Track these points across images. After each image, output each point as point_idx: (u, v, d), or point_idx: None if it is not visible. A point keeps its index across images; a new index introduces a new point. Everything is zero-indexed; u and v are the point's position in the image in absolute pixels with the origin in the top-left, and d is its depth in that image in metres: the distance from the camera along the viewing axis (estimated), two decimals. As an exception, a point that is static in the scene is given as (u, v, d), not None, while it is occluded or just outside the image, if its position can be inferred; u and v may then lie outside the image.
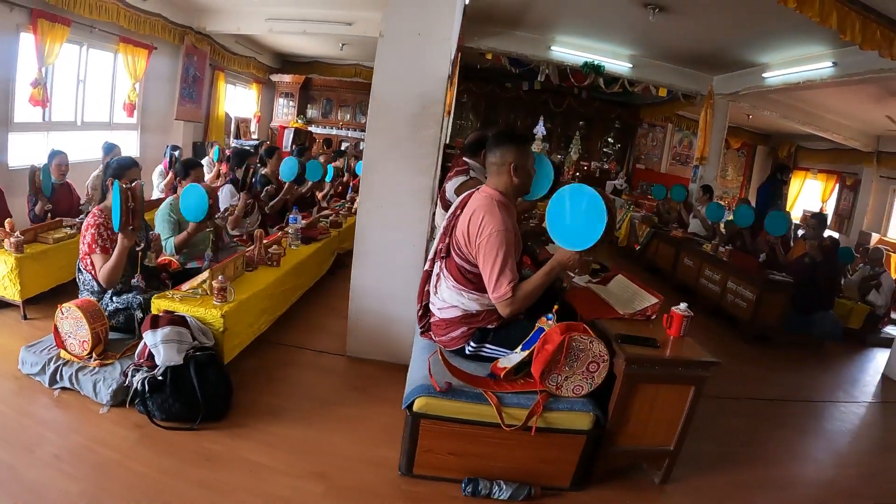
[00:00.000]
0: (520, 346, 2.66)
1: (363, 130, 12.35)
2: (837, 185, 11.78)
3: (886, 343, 6.09)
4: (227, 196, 5.15)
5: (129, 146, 8.38)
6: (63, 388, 2.95)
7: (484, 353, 2.81)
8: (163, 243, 3.94)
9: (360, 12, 8.59)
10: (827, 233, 11.25)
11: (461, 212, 2.76)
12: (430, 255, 2.95)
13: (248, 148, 7.12)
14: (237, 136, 11.80)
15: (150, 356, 2.84)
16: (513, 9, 7.79)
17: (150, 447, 2.62)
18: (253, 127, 12.70)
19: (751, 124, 13.01)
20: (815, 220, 6.02)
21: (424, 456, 2.56)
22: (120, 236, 3.07)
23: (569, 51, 8.94)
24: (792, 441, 3.84)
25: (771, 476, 3.32)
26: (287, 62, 13.36)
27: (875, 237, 10.47)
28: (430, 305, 2.92)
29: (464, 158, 3.92)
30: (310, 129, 12.83)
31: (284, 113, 13.17)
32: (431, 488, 2.57)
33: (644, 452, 2.86)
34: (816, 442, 3.97)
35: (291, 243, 4.76)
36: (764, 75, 7.95)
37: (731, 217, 7.54)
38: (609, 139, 13.07)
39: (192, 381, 2.78)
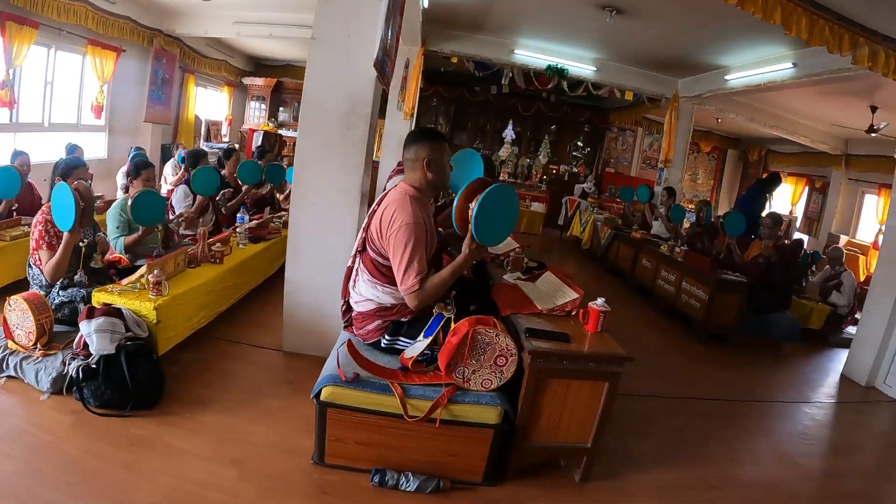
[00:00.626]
0: (422, 334, 2.67)
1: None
2: (807, 188, 11.76)
3: (848, 343, 5.92)
4: (181, 197, 5.14)
5: (97, 148, 8.33)
6: (9, 377, 3.04)
7: (399, 346, 2.78)
8: (112, 242, 4.01)
9: None
10: (796, 235, 11.40)
11: (378, 207, 2.77)
12: (353, 252, 2.95)
13: (202, 149, 6.93)
14: (207, 139, 11.58)
15: (86, 345, 2.92)
16: (473, 12, 7.66)
17: (83, 431, 2.71)
18: (224, 130, 12.48)
19: (721, 128, 12.99)
20: (770, 220, 5.90)
21: (334, 445, 2.55)
22: (65, 234, 3.16)
23: (532, 54, 8.83)
24: (735, 441, 3.67)
25: (706, 476, 3.18)
26: (260, 65, 13.21)
27: (844, 239, 10.44)
28: (350, 299, 2.93)
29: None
30: (280, 131, 12.62)
31: (256, 116, 12.95)
32: (341, 477, 2.56)
33: (560, 449, 2.74)
34: (761, 442, 3.79)
35: (240, 242, 4.77)
36: (726, 77, 7.88)
37: (693, 219, 7.42)
38: (579, 143, 12.96)
39: (124, 370, 2.85)
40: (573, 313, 2.94)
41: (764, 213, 7.07)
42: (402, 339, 2.77)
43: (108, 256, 3.87)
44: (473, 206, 2.47)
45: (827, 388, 5.08)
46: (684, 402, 4.20)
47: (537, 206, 11.12)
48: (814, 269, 8.28)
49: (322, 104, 3.62)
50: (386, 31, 3.61)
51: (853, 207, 10.67)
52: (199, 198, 5.05)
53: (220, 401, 3.12)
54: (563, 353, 2.51)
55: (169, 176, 7.00)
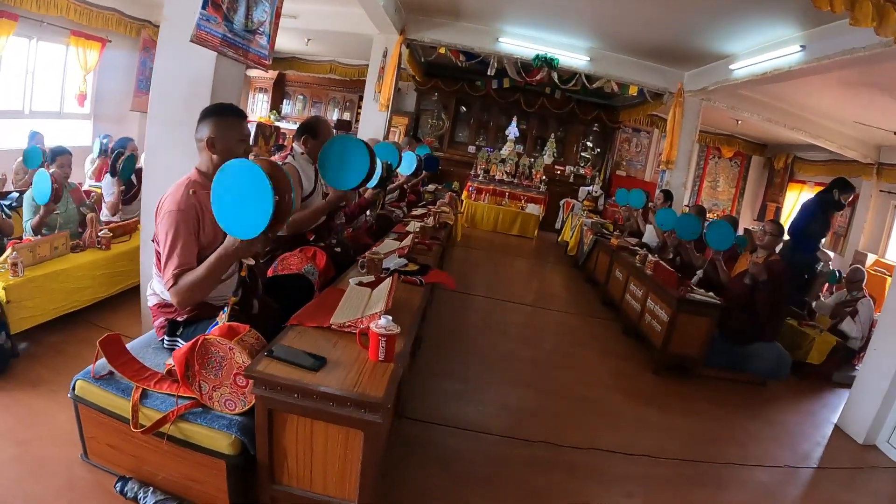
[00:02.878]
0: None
1: (333, 128, 11.47)
2: (834, 200, 10.17)
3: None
4: (108, 185, 4.98)
5: (82, 135, 8.20)
6: None
7: (178, 348, 2.27)
8: (25, 226, 3.95)
9: (302, 5, 8.08)
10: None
11: None
12: None
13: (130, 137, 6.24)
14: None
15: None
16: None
17: None
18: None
19: (743, 132, 11.50)
20: (772, 227, 4.64)
21: (91, 444, 2.25)
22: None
23: (518, 42, 7.75)
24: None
25: None
26: (265, 58, 12.47)
27: (872, 259, 8.87)
28: None
29: (293, 143, 3.56)
30: (278, 124, 11.84)
31: (259, 108, 12.22)
32: (96, 476, 2.22)
33: (319, 501, 1.97)
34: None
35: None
36: (731, 67, 6.66)
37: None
38: (587, 143, 11.64)
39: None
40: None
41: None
42: (180, 340, 2.35)
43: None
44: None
45: (812, 444, 3.84)
46: (589, 453, 3.07)
47: (533, 208, 9.94)
48: (833, 289, 6.92)
49: (168, 89, 3.26)
50: (252, 5, 3.28)
51: (884, 222, 9.07)
52: (115, 182, 4.85)
53: (51, 383, 2.85)
54: (291, 386, 1.80)
55: (88, 168, 6.42)
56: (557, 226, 10.29)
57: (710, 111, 8.89)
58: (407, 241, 3.83)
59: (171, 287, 2.12)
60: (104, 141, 6.65)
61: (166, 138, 3.27)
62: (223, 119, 2.30)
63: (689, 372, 4.39)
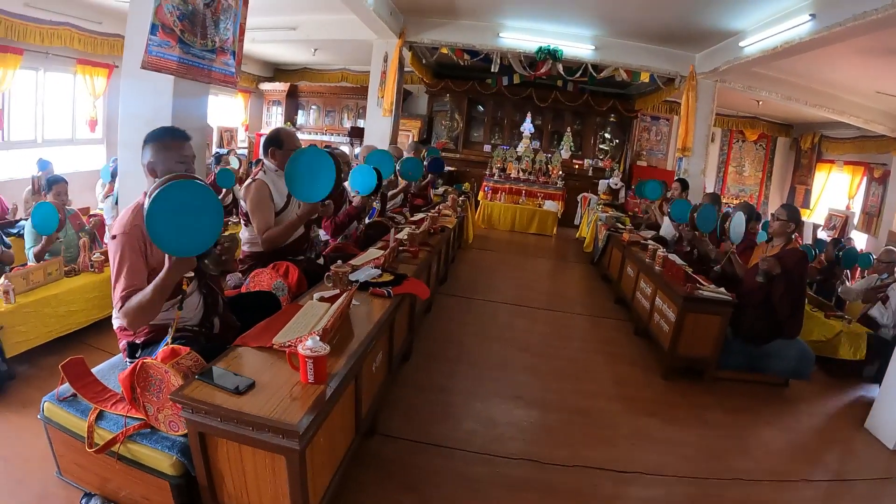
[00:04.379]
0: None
1: (347, 135, 11.35)
2: (865, 178, 9.47)
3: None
4: (109, 208, 5.05)
5: (96, 160, 8.08)
6: None
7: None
8: (28, 254, 4.01)
9: (299, 16, 8.07)
10: (854, 234, 9.20)
11: None
12: None
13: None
14: (220, 146, 10.89)
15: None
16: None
17: None
18: (242, 136, 11.81)
19: (767, 113, 10.87)
20: (780, 211, 4.21)
21: (62, 461, 2.23)
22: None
23: (520, 36, 7.44)
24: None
25: None
26: (279, 70, 12.50)
27: (909, 239, 8.22)
28: None
29: (264, 159, 3.40)
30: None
31: (274, 121, 12.16)
32: (68, 493, 2.20)
33: None
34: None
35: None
36: (741, 44, 6.20)
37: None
38: (606, 135, 11.13)
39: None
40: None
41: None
42: None
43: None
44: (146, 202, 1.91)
45: (835, 453, 3.42)
46: (595, 476, 2.74)
47: (551, 205, 9.53)
48: (864, 273, 6.38)
49: (134, 113, 3.31)
50: (209, 25, 3.30)
51: (920, 199, 8.41)
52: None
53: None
54: (214, 410, 1.73)
55: (99, 192, 6.39)
56: (576, 221, 9.88)
57: (727, 93, 8.40)
58: (380, 251, 3.61)
59: (120, 309, 2.08)
60: (114, 165, 6.61)
61: (136, 163, 3.22)
62: (160, 142, 2.26)
63: (703, 375, 3.99)
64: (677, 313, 3.89)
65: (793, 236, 4.22)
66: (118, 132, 3.44)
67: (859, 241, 8.88)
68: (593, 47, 7.46)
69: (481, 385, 3.61)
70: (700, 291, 3.88)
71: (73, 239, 4.27)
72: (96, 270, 3.96)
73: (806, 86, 7.74)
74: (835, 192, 10.28)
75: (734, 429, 3.45)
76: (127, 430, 1.97)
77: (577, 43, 7.41)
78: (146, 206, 1.83)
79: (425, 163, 6.44)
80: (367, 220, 4.80)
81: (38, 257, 3.93)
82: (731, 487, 2.81)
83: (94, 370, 2.29)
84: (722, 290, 3.98)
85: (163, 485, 1.95)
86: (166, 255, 1.96)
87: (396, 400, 3.23)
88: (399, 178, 5.81)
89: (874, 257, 6.19)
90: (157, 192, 1.83)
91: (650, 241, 5.51)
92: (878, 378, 4.31)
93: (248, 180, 3.31)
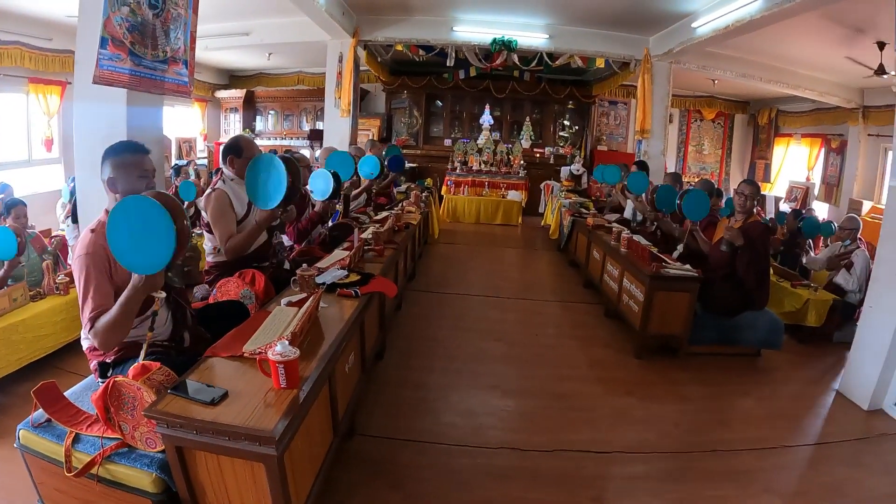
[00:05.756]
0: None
1: (306, 138, 11.20)
2: (823, 150, 9.73)
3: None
4: (70, 230, 4.95)
5: (54, 181, 7.84)
6: None
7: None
8: None
9: (252, 21, 7.94)
10: (815, 205, 9.44)
11: None
12: None
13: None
14: (179, 157, 10.63)
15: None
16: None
17: None
18: (201, 145, 11.55)
19: (723, 91, 11.07)
20: (742, 186, 4.27)
21: (42, 489, 2.15)
22: None
23: (473, 29, 7.43)
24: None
25: None
26: (234, 77, 12.26)
27: (868, 206, 8.45)
28: None
29: (223, 167, 3.36)
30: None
31: (233, 128, 11.93)
32: None
33: None
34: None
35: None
36: (693, 25, 6.28)
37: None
38: (565, 122, 11.19)
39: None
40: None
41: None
42: None
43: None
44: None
45: (811, 417, 3.49)
46: (577, 458, 2.74)
47: (514, 195, 9.57)
48: (828, 241, 6.53)
49: (88, 129, 3.20)
50: (160, 35, 3.19)
51: (876, 167, 8.63)
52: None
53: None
54: (188, 423, 1.73)
55: (60, 212, 6.19)
56: (540, 210, 9.93)
57: (682, 74, 8.51)
58: (345, 252, 3.57)
59: (90, 330, 2.07)
60: (73, 184, 6.42)
61: (94, 181, 3.18)
62: (119, 157, 2.23)
63: (676, 352, 4.04)
64: (645, 293, 3.93)
65: (754, 210, 4.30)
66: (74, 150, 3.36)
67: (821, 211, 9.11)
68: (547, 36, 7.50)
69: (458, 377, 3.59)
70: (666, 270, 3.93)
71: (36, 262, 4.19)
72: (62, 293, 3.90)
73: (760, 62, 7.88)
74: (794, 164, 10.53)
75: (711, 401, 3.50)
76: (104, 451, 1.94)
77: (531, 32, 7.43)
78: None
79: (385, 161, 6.39)
80: (330, 223, 4.74)
81: (1, 283, 3.85)
82: (713, 459, 2.85)
83: (67, 393, 2.23)
84: (687, 266, 4.04)
85: (145, 503, 1.94)
86: (132, 273, 1.96)
87: (374, 399, 3.21)
88: (361, 179, 5.75)
89: (836, 225, 6.36)
90: (110, 214, 1.85)
91: (614, 224, 5.55)
92: (847, 343, 4.42)
93: (208, 190, 3.26)
